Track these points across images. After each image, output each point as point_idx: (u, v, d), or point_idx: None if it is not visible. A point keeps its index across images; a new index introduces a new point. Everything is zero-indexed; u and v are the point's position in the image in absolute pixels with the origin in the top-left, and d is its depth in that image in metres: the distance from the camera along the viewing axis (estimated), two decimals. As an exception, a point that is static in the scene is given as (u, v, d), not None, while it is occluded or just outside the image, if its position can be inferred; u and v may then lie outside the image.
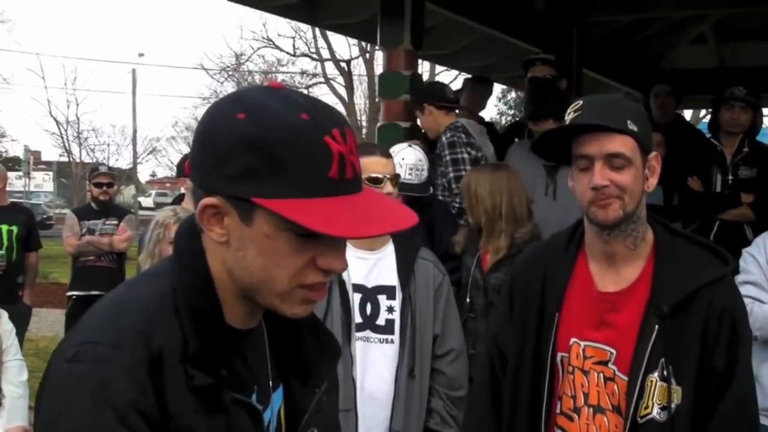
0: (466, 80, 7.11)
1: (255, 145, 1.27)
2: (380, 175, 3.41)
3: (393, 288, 3.47)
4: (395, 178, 3.50)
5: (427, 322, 3.46)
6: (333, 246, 1.34)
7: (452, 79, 22.42)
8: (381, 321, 3.46)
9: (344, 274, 3.48)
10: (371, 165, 3.44)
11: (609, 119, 2.20)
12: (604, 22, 8.07)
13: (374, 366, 3.46)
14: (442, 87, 5.98)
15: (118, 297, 1.42)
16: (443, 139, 5.19)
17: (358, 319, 3.46)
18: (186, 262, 1.40)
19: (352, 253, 3.52)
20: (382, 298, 3.46)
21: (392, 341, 3.45)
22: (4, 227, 7.01)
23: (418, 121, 5.66)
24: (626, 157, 2.20)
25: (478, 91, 6.79)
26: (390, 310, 3.45)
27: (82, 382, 1.28)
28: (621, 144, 2.19)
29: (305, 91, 23.98)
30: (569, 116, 2.27)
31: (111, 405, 1.26)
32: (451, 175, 5.07)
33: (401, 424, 3.42)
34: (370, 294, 3.47)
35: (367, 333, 3.47)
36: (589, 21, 7.61)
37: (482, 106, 6.93)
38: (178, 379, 1.31)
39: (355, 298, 3.47)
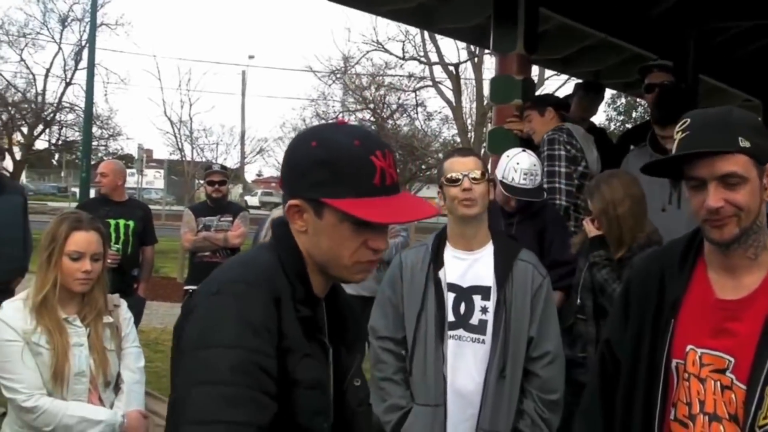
0: (577, 85, 7.05)
1: (323, 163, 1.85)
2: (457, 175, 3.46)
3: (488, 288, 3.48)
4: (481, 175, 3.50)
5: (523, 323, 3.45)
6: (379, 232, 1.92)
7: (561, 84, 22.14)
8: (474, 321, 3.48)
9: (440, 273, 3.52)
10: (451, 165, 3.52)
11: (718, 141, 2.14)
12: (724, 28, 7.86)
13: (465, 364, 3.48)
14: (566, 100, 6.02)
15: (247, 259, 2.08)
16: (544, 137, 5.22)
17: (451, 317, 3.49)
18: (286, 244, 1.98)
19: (449, 252, 3.56)
20: (476, 298, 3.48)
21: (483, 341, 3.46)
22: (122, 222, 7.25)
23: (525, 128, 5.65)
24: (740, 176, 2.14)
25: (589, 97, 6.73)
26: (484, 310, 3.47)
27: (228, 308, 1.83)
28: (733, 163, 2.14)
29: (412, 94, 23.95)
30: (677, 135, 2.22)
31: (249, 323, 1.81)
32: (546, 170, 5.05)
33: (488, 423, 3.43)
34: (464, 294, 3.50)
35: (460, 332, 3.49)
36: (708, 27, 7.41)
37: (593, 112, 6.85)
38: (290, 312, 1.88)
39: (450, 297, 3.50)
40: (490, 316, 3.46)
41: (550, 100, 5.75)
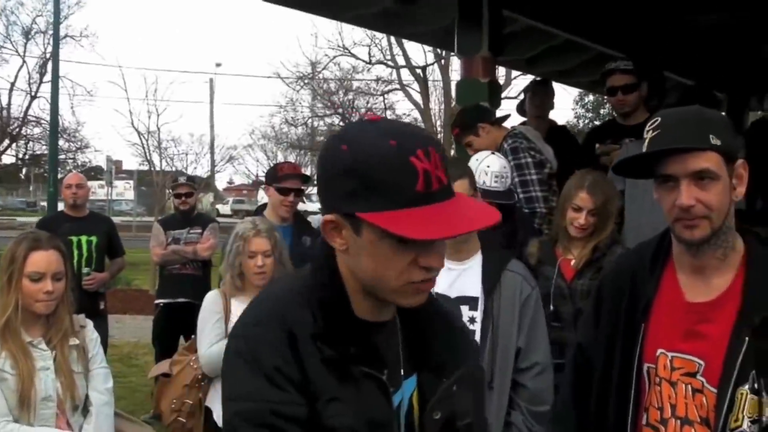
0: (525, 87, 7.01)
1: (353, 171, 1.55)
2: None
3: (476, 299, 3.44)
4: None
5: (511, 334, 3.40)
6: (430, 247, 1.59)
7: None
8: None
9: None
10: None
11: (690, 138, 2.13)
12: (687, 23, 7.86)
13: None
14: (488, 107, 5.84)
15: (265, 290, 1.85)
16: (505, 146, 5.11)
17: None
18: (319, 264, 1.73)
19: None
20: (464, 309, 3.44)
21: None
22: (84, 238, 7.08)
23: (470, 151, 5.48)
24: (713, 173, 2.13)
25: (539, 93, 6.66)
26: (472, 320, 3.42)
27: (239, 354, 1.66)
28: (705, 161, 2.13)
29: (380, 98, 23.86)
30: (647, 134, 2.21)
31: (261, 370, 1.61)
32: (516, 179, 5.00)
33: None
34: (452, 304, 3.45)
35: None
36: (672, 22, 7.40)
37: (549, 108, 6.75)
38: (311, 351, 1.63)
39: None
40: (477, 327, 3.42)
41: (474, 116, 5.42)
